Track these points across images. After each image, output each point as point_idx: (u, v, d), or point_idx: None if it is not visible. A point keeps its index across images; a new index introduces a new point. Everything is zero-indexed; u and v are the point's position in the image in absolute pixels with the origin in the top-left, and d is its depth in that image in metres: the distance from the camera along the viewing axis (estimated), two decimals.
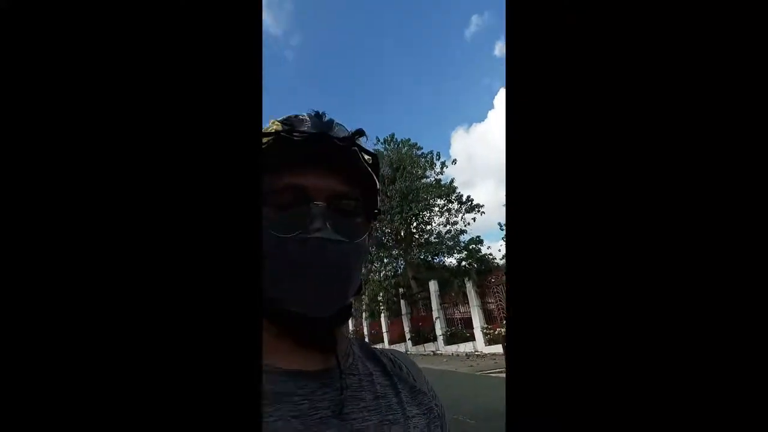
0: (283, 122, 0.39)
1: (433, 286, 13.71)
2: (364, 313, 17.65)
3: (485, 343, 11.23)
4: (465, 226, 15.55)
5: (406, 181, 15.41)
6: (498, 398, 5.38)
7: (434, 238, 15.84)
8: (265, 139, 0.38)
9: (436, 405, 0.45)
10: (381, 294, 16.22)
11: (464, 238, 15.33)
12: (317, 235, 0.35)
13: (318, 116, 0.40)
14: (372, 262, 16.49)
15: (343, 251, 0.37)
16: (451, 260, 15.24)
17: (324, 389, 0.37)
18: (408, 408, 0.41)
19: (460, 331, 12.67)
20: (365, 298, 16.74)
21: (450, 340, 12.75)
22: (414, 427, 0.40)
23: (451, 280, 13.28)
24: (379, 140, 17.10)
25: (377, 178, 0.41)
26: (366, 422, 0.37)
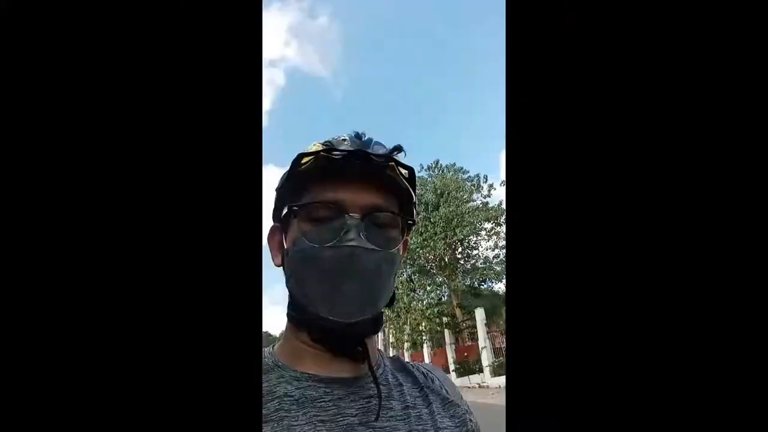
0: (323, 143, 0.41)
1: (479, 314, 12.93)
2: (405, 344, 16.91)
3: None
4: None
5: (450, 206, 15.19)
6: None
7: (481, 263, 15.17)
8: (306, 159, 0.40)
9: (470, 420, 0.44)
10: (423, 323, 15.53)
11: None
12: (350, 243, 0.37)
13: (358, 136, 0.42)
14: (414, 290, 16.03)
15: (375, 259, 0.38)
16: (500, 286, 14.40)
17: (352, 396, 0.38)
18: (439, 419, 0.41)
19: None
20: (407, 328, 16.11)
21: (498, 371, 11.72)
22: None
23: (499, 307, 12.44)
24: (422, 167, 17.26)
25: (413, 190, 0.42)
26: (393, 431, 0.37)
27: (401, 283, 15.89)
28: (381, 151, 0.41)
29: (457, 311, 14.78)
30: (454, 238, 14.89)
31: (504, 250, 15.10)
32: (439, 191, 15.84)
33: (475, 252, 15.75)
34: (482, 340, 12.61)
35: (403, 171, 0.41)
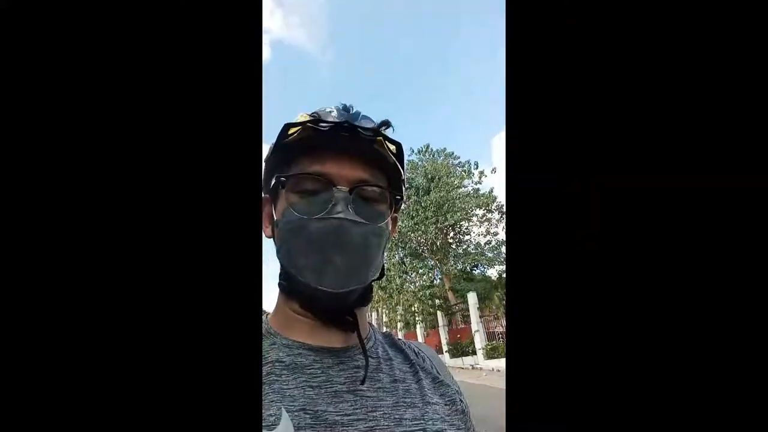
0: (311, 114, 0.41)
1: (472, 298, 13.47)
2: (398, 324, 17.55)
3: None
4: None
5: (441, 191, 15.33)
6: None
7: (473, 249, 15.60)
8: (293, 130, 0.39)
9: (460, 400, 0.44)
10: (416, 305, 16.08)
11: None
12: (338, 216, 0.37)
13: (345, 108, 0.41)
14: (406, 272, 16.43)
15: (363, 232, 0.38)
16: (491, 271, 14.95)
17: (341, 366, 0.39)
18: (429, 395, 0.41)
19: (502, 346, 12.32)
20: (399, 308, 16.66)
21: (491, 354, 12.41)
22: (433, 413, 0.39)
23: (491, 292, 12.98)
24: (413, 151, 17.15)
25: (402, 166, 0.42)
26: (381, 401, 0.38)
27: (393, 265, 16.23)
28: (369, 125, 0.40)
29: (450, 294, 15.33)
30: (446, 223, 15.16)
31: (495, 237, 15.55)
32: (429, 176, 15.90)
33: (466, 237, 16.13)
34: (475, 323, 13.23)
35: (391, 146, 0.41)
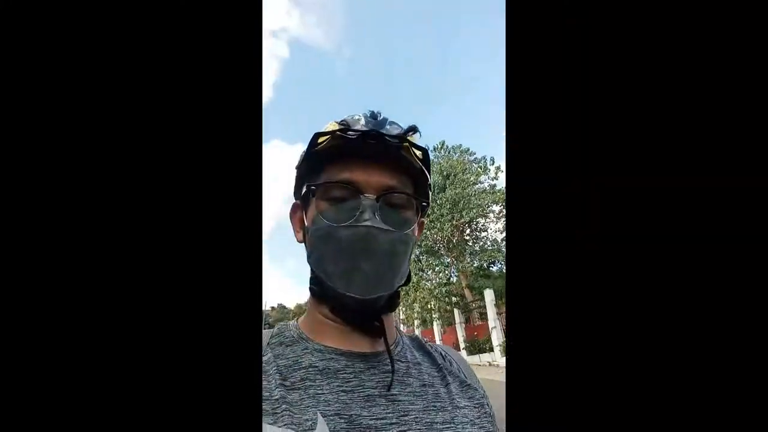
0: (339, 122, 0.42)
1: (488, 294, 13.36)
2: (415, 321, 17.58)
3: None
4: None
5: (456, 188, 15.24)
6: None
7: (489, 246, 15.47)
8: (322, 138, 0.41)
9: (487, 404, 0.45)
10: (432, 302, 16.07)
11: None
12: (365, 224, 0.38)
13: (373, 116, 0.42)
14: (422, 270, 16.42)
15: (390, 240, 0.39)
16: None
17: (372, 370, 0.40)
18: (457, 399, 0.42)
19: None
20: (416, 306, 16.68)
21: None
22: (462, 417, 0.40)
23: None
24: (428, 147, 17.06)
25: (428, 172, 0.43)
26: (412, 405, 0.38)
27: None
28: (396, 132, 0.41)
29: (466, 291, 15.25)
30: (461, 220, 15.08)
31: None
32: (445, 173, 15.82)
33: (483, 234, 16.00)
34: (492, 320, 13.13)
35: (417, 152, 0.42)
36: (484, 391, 0.47)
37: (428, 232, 15.13)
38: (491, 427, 0.43)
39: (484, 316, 13.92)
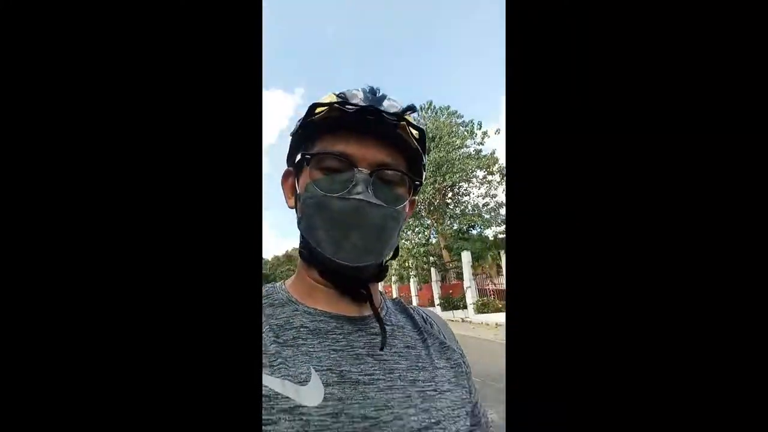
0: (338, 95, 0.42)
1: (466, 256, 14.02)
2: (393, 277, 18.27)
3: None
4: None
5: (441, 152, 15.27)
6: None
7: (470, 210, 15.91)
8: (320, 109, 0.42)
9: (464, 362, 0.48)
10: (410, 261, 16.66)
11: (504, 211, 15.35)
12: (358, 197, 0.39)
13: (372, 91, 0.43)
14: (403, 230, 16.75)
15: (381, 215, 0.40)
16: (487, 232, 15.40)
17: (359, 332, 0.42)
18: (436, 360, 0.45)
19: (492, 302, 13.09)
20: (394, 263, 17.21)
21: (480, 309, 13.21)
22: (441, 377, 0.44)
23: (485, 252, 13.51)
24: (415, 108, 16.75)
25: (424, 152, 0.44)
26: (396, 364, 0.41)
27: None
28: (393, 110, 0.42)
29: (444, 252, 15.88)
30: (444, 184, 15.31)
31: (494, 199, 15.83)
32: (431, 134, 15.72)
33: (465, 199, 16.37)
34: (467, 280, 13.89)
35: (414, 132, 0.43)
36: (462, 351, 0.50)
37: None
38: (467, 383, 0.47)
39: (460, 275, 14.65)
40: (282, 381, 0.36)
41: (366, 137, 0.41)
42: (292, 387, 0.36)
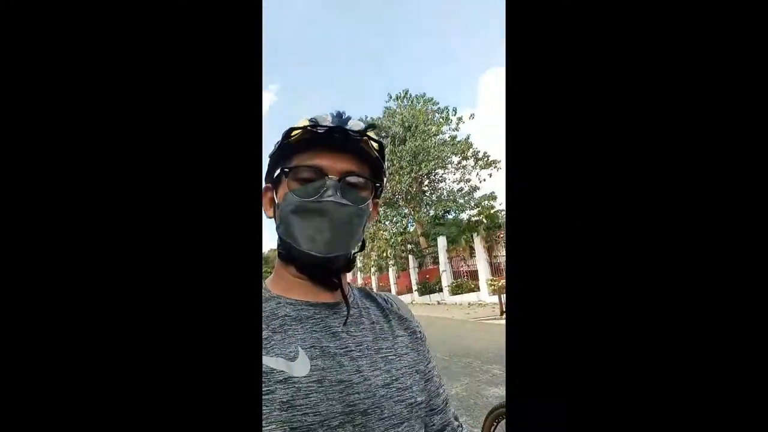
0: (310, 120, 0.52)
1: (441, 241, 14.13)
2: (372, 268, 18.24)
3: (489, 293, 11.71)
4: (481, 182, 15.65)
5: (417, 141, 15.42)
6: (475, 340, 5.90)
7: (445, 196, 16.04)
8: (295, 132, 0.51)
9: (418, 329, 0.60)
10: (388, 251, 16.68)
11: (479, 194, 15.57)
12: (329, 199, 0.48)
13: (338, 115, 0.53)
14: (380, 221, 16.81)
15: (348, 212, 0.49)
16: (462, 216, 15.53)
17: (335, 315, 0.52)
18: (397, 331, 0.56)
19: (466, 283, 13.19)
20: (373, 254, 17.24)
21: (455, 290, 13.29)
22: (400, 343, 0.55)
23: (459, 235, 13.62)
24: (391, 97, 16.95)
25: (383, 160, 0.54)
26: (364, 338, 0.52)
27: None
28: (357, 128, 0.51)
29: (421, 239, 15.94)
30: (420, 172, 15.43)
31: (468, 183, 16.00)
32: (407, 124, 15.88)
33: (440, 185, 16.51)
34: (443, 264, 13.98)
35: (375, 145, 0.53)
36: (417, 321, 0.62)
37: (388, 185, 15.34)
38: (422, 347, 0.58)
39: (437, 260, 14.74)
40: (276, 359, 0.44)
41: (335, 151, 0.50)
42: (284, 363, 0.44)
